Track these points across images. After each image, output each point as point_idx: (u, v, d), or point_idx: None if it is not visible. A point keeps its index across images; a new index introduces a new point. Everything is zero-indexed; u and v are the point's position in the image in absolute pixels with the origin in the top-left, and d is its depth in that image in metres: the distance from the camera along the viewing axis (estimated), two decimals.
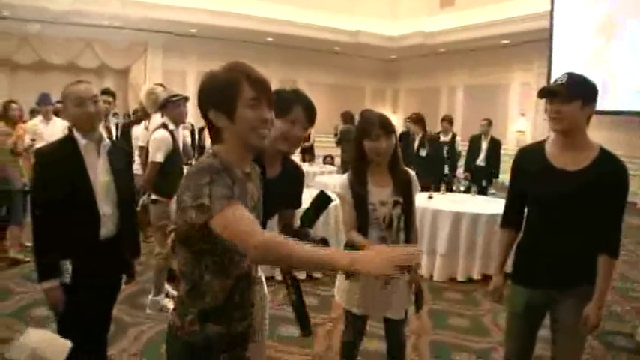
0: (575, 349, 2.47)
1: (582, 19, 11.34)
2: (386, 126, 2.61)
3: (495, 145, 8.82)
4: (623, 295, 5.34)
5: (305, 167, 8.45)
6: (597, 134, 2.34)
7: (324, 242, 2.12)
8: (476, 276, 5.52)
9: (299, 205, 2.45)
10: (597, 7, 11.11)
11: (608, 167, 2.29)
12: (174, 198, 1.61)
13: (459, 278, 5.53)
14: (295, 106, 2.12)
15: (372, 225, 2.66)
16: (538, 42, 12.16)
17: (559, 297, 2.40)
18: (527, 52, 13.24)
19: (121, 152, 2.74)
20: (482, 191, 8.30)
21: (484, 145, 8.81)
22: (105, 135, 2.66)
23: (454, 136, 9.01)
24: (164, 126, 4.25)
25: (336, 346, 3.66)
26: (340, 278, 2.82)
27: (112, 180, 2.58)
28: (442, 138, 9.04)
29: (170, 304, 4.33)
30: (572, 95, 2.22)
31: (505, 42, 13.42)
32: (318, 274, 5.32)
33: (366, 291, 2.70)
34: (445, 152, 8.78)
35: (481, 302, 4.92)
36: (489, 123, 8.92)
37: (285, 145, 2.15)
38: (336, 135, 11.13)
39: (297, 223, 2.38)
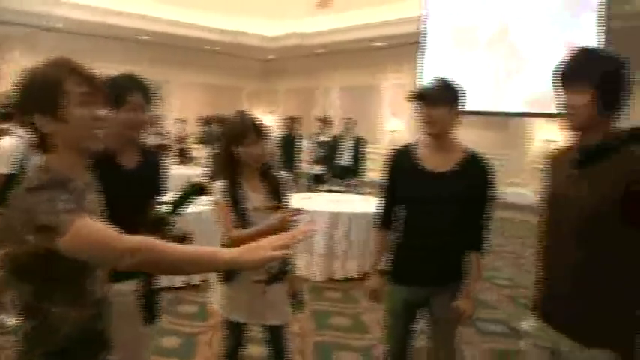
0: (452, 339, 2.57)
1: (452, 23, 11.99)
2: (259, 130, 2.56)
3: (358, 144, 8.74)
4: (492, 284, 5.70)
5: (180, 169, 8.23)
6: (463, 133, 2.45)
7: (185, 239, 2.09)
8: (355, 274, 5.60)
9: (161, 192, 2.40)
10: (467, 13, 11.82)
11: (476, 168, 2.42)
12: None
13: (338, 277, 5.58)
14: (133, 93, 2.11)
15: None
16: (411, 45, 12.66)
17: (435, 293, 2.48)
18: (400, 55, 13.75)
19: None
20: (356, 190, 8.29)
21: (348, 144, 8.73)
22: None
23: (335, 137, 9.09)
24: (7, 132, 3.84)
25: (218, 355, 3.56)
26: (216, 284, 2.73)
27: None
28: (321, 138, 9.12)
29: (10, 320, 3.97)
30: (443, 99, 2.30)
31: (379, 44, 13.83)
32: (196, 281, 5.15)
33: (244, 298, 2.62)
34: (324, 152, 8.87)
35: (360, 300, 4.99)
36: (350, 122, 8.86)
37: (134, 133, 2.17)
38: (202, 140, 10.46)
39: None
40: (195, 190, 2.19)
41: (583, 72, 1.76)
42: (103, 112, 1.45)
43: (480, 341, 4.20)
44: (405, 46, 13.10)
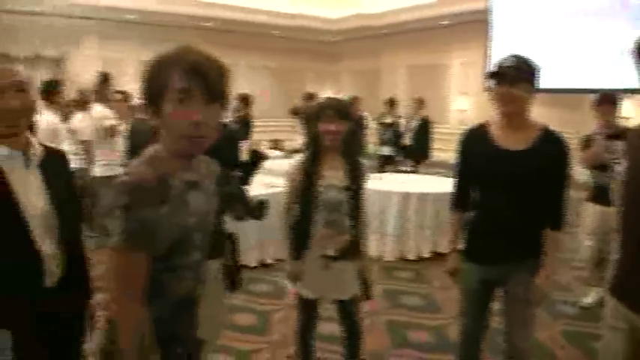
0: (527, 320, 2.55)
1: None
2: (339, 109, 2.61)
3: (425, 124, 8.77)
4: (566, 265, 5.55)
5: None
6: (535, 111, 2.40)
7: (263, 206, 2.46)
8: (426, 254, 5.61)
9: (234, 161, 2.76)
10: None
11: (552, 145, 2.37)
12: None
13: (410, 257, 5.60)
14: None
15: (319, 208, 2.66)
16: (478, 22, 12.35)
17: (510, 271, 2.46)
18: (467, 32, 13.41)
19: (58, 162, 1.90)
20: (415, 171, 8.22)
21: (414, 124, 8.81)
22: (34, 140, 1.81)
23: (399, 118, 9.07)
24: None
25: (293, 331, 3.66)
26: (289, 262, 2.80)
27: (52, 207, 1.77)
28: (387, 119, 9.09)
29: None
30: (520, 77, 2.26)
31: (445, 22, 13.56)
32: (270, 260, 5.29)
33: (313, 274, 2.71)
34: (392, 134, 8.85)
35: (432, 280, 5.00)
36: (418, 101, 8.94)
37: None
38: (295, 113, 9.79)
39: None
40: (255, 155, 2.28)
41: None
42: (198, 114, 1.32)
43: (552, 323, 4.12)
44: (473, 24, 12.78)
